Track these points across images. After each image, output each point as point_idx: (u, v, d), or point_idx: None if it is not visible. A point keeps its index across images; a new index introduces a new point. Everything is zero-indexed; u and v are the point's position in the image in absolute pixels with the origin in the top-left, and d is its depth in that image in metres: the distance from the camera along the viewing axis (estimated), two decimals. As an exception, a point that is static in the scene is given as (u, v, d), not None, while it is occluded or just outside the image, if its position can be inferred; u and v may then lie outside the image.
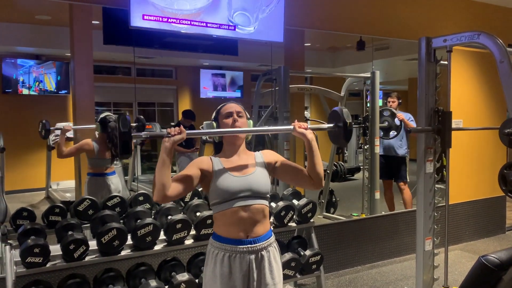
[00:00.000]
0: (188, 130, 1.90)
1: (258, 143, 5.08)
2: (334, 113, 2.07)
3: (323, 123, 6.57)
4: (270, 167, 2.00)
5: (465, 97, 4.81)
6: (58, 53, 6.90)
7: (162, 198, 1.80)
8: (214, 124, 2.00)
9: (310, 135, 1.93)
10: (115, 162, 3.83)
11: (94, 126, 3.74)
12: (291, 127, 1.97)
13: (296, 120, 1.99)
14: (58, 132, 5.97)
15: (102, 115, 3.72)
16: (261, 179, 1.93)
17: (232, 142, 1.97)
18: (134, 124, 3.99)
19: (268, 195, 1.96)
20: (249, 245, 1.87)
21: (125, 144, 1.80)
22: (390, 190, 5.37)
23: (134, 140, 4.08)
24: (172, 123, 8.34)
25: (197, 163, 1.93)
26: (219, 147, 2.02)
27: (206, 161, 1.95)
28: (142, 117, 3.97)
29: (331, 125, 2.08)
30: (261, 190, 1.91)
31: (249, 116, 2.05)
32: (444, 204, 3.30)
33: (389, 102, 5.30)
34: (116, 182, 3.87)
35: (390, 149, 5.27)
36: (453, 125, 3.13)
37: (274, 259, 1.95)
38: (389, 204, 5.36)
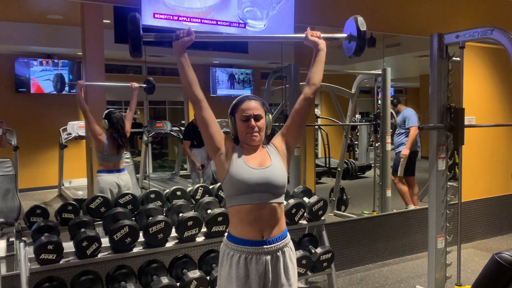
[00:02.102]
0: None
1: (267, 141, 5.08)
2: (349, 23, 2.02)
3: (334, 120, 6.58)
4: (280, 145, 1.96)
5: (478, 93, 4.75)
6: (70, 53, 6.98)
7: (188, 89, 1.86)
8: (230, 119, 1.93)
9: (322, 45, 1.91)
10: (123, 155, 3.88)
11: (108, 83, 3.82)
12: (303, 35, 1.94)
13: (308, 28, 1.95)
14: (69, 131, 6.06)
15: (106, 111, 3.82)
16: (278, 171, 1.88)
17: (248, 144, 1.91)
18: (144, 85, 4.12)
19: (284, 190, 1.91)
20: (265, 246, 1.84)
21: (134, 41, 1.82)
22: (399, 184, 5.44)
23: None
24: (183, 121, 8.38)
25: (225, 136, 1.92)
26: (236, 142, 1.95)
27: (230, 141, 1.92)
28: (151, 78, 4.10)
29: (345, 34, 2.03)
30: (278, 184, 1.86)
31: (268, 108, 1.97)
32: (457, 201, 3.28)
33: None
34: (125, 179, 3.91)
35: (398, 146, 5.49)
36: (466, 122, 3.10)
37: (290, 259, 1.93)
38: (404, 197, 5.45)
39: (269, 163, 1.89)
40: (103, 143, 3.74)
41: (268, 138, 2.00)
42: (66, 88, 7.19)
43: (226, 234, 1.96)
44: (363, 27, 1.96)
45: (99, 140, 3.74)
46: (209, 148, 1.90)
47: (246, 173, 1.83)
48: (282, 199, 1.90)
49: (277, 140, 1.99)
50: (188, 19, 3.50)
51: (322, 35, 1.93)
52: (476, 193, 4.96)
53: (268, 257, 1.85)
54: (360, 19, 1.98)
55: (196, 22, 3.54)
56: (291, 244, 1.96)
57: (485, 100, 4.86)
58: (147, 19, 3.36)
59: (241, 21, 3.70)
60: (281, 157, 1.95)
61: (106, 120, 3.76)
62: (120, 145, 3.79)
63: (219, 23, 3.61)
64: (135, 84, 4.01)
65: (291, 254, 1.95)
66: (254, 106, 1.89)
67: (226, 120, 1.98)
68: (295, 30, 4.00)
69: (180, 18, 3.46)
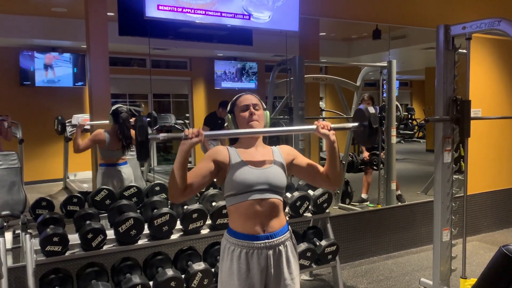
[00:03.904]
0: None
1: (272, 137, 5.05)
2: (359, 112, 1.99)
3: (339, 113, 6.53)
4: (287, 164, 1.95)
5: (484, 85, 4.71)
6: (74, 45, 6.98)
7: (177, 199, 1.80)
8: (230, 116, 1.95)
9: (333, 136, 1.88)
10: (127, 153, 3.87)
11: (108, 121, 3.79)
12: (314, 127, 1.91)
13: (320, 120, 1.93)
14: (75, 122, 6.07)
15: (113, 107, 3.77)
16: (278, 173, 1.88)
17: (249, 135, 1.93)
18: (148, 119, 4.04)
19: (284, 190, 1.92)
20: (266, 241, 1.83)
21: (143, 150, 1.78)
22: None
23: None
24: (187, 114, 8.38)
25: (213, 155, 1.87)
26: (235, 139, 1.98)
27: (222, 152, 1.89)
28: (153, 112, 4.00)
29: (356, 124, 2.00)
30: (278, 184, 1.86)
31: (265, 107, 1.99)
32: (462, 194, 3.26)
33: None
34: (128, 172, 3.92)
35: None
36: (472, 114, 3.08)
37: (292, 254, 1.92)
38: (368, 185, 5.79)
39: (270, 164, 1.89)
40: (104, 141, 3.74)
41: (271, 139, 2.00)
42: (70, 81, 7.21)
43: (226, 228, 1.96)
44: (376, 124, 1.93)
45: (100, 140, 3.74)
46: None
47: (246, 174, 1.83)
48: (281, 197, 1.91)
49: (288, 154, 1.98)
50: (193, 10, 3.49)
51: (332, 125, 1.90)
52: (482, 186, 4.94)
53: (270, 252, 1.84)
54: (371, 109, 1.95)
55: (200, 14, 3.52)
56: (293, 238, 1.96)
57: (491, 92, 4.82)
58: (151, 11, 3.35)
59: (245, 13, 3.68)
60: (284, 166, 1.94)
61: (112, 117, 3.74)
62: (124, 146, 3.77)
63: (223, 14, 3.59)
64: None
65: (293, 248, 1.94)
66: (251, 98, 1.95)
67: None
68: (300, 22, 3.98)
69: (184, 10, 3.45)
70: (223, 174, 1.87)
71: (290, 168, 1.97)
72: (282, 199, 1.91)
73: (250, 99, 1.93)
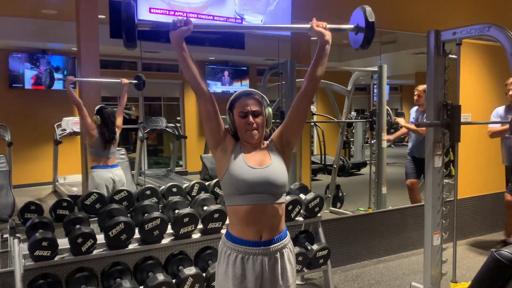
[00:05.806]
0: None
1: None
2: (356, 13, 1.92)
3: (330, 117, 6.55)
4: (279, 142, 1.90)
5: (474, 90, 4.76)
6: (64, 48, 6.92)
7: (187, 76, 1.78)
8: (228, 114, 1.87)
9: (328, 36, 1.82)
10: (115, 150, 3.90)
11: (98, 79, 3.84)
12: (308, 26, 1.84)
13: (314, 19, 1.86)
14: (64, 127, 6.02)
15: (97, 107, 3.82)
16: (278, 170, 1.83)
17: (247, 141, 1.85)
18: (134, 81, 4.13)
19: (285, 189, 1.86)
20: (263, 247, 1.80)
21: (129, 30, 1.68)
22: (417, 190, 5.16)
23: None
24: (178, 117, 8.35)
25: (227, 132, 1.85)
26: (236, 138, 1.89)
27: (232, 138, 1.86)
28: (142, 75, 4.10)
29: (352, 26, 1.93)
30: (279, 183, 1.81)
31: (268, 103, 1.90)
32: (452, 198, 3.28)
33: (415, 96, 5.07)
34: (119, 174, 3.93)
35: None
36: (462, 119, 3.10)
37: (288, 261, 1.88)
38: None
39: (269, 162, 1.83)
40: (95, 138, 3.77)
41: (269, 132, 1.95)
42: (61, 84, 7.14)
43: (224, 231, 1.92)
44: (372, 18, 1.86)
45: (92, 134, 3.76)
46: (210, 142, 1.86)
47: (245, 173, 1.77)
48: (282, 199, 1.85)
49: (277, 136, 1.92)
50: (185, 14, 3.48)
51: (328, 26, 1.84)
52: (472, 190, 4.97)
53: (266, 258, 1.81)
54: (369, 9, 1.88)
55: (192, 17, 3.52)
56: (290, 244, 1.91)
57: (481, 98, 4.86)
58: (143, 14, 3.35)
59: (238, 17, 3.68)
60: (281, 154, 1.89)
61: (98, 116, 3.76)
62: (107, 140, 3.79)
63: (215, 18, 3.59)
64: (125, 80, 4.02)
65: (290, 255, 1.90)
66: (252, 102, 1.83)
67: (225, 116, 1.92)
68: (292, 26, 3.99)
69: (176, 13, 3.44)
70: (223, 162, 1.82)
71: (284, 139, 1.90)
72: (284, 201, 1.86)
73: (249, 103, 1.82)
